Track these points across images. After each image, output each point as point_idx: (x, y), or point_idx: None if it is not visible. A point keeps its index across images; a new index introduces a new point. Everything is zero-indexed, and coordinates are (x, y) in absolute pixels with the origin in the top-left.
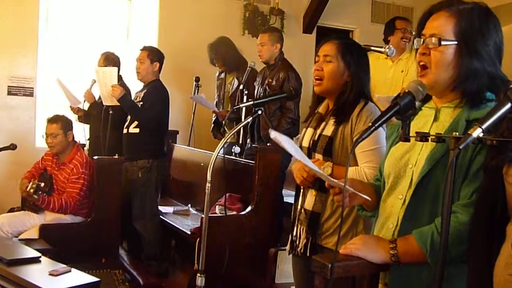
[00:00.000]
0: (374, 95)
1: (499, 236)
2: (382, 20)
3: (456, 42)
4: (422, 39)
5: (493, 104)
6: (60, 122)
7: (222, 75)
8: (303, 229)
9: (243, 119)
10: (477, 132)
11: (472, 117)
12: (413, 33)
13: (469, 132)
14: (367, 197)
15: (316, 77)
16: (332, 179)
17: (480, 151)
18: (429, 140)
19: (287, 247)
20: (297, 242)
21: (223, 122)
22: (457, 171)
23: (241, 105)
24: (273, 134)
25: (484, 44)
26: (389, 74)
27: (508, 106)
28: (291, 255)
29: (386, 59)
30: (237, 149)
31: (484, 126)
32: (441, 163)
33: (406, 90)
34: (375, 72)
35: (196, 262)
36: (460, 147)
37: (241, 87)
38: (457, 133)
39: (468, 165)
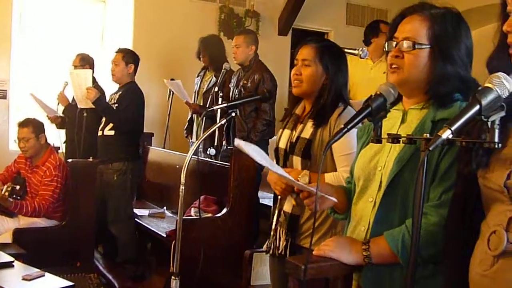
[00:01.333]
0: (351, 101)
1: (473, 237)
2: (357, 23)
3: (429, 46)
4: (394, 42)
5: (459, 104)
6: (31, 126)
7: (202, 72)
8: (282, 231)
9: (218, 121)
10: (446, 134)
11: (438, 118)
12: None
13: (438, 133)
14: (333, 199)
15: (295, 81)
16: (299, 183)
17: (447, 152)
18: (401, 141)
19: (264, 247)
20: (277, 244)
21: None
22: (426, 172)
23: (215, 107)
24: (237, 142)
25: (456, 48)
26: (371, 75)
27: (476, 108)
28: (268, 257)
29: (367, 60)
30: (212, 151)
31: (453, 128)
32: (409, 165)
33: (378, 92)
34: (356, 72)
35: (171, 264)
36: (430, 148)
37: (216, 88)
38: (427, 134)
39: (436, 166)
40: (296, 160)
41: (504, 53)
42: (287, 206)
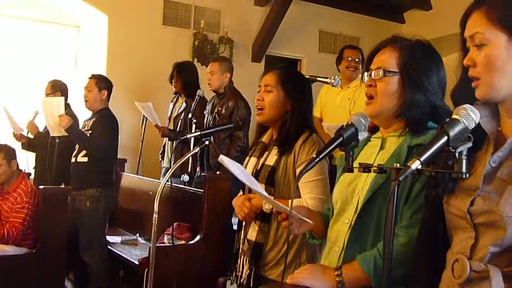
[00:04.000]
0: (323, 124)
1: (441, 263)
2: (330, 50)
3: (399, 74)
4: (369, 73)
5: (433, 132)
6: (3, 152)
7: (175, 98)
8: (246, 259)
9: (192, 148)
10: (415, 164)
11: (413, 143)
12: (357, 60)
13: (408, 164)
14: (310, 221)
15: (258, 107)
16: (279, 204)
17: (419, 178)
18: (372, 171)
19: (232, 278)
20: (241, 273)
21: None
22: (398, 196)
23: (188, 136)
24: (222, 158)
25: (426, 76)
26: (337, 101)
27: (444, 139)
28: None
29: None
30: (186, 177)
31: (422, 159)
32: (383, 189)
33: (349, 123)
34: (326, 97)
35: None
36: (400, 179)
37: (190, 115)
38: (399, 162)
39: (409, 190)
40: (260, 187)
41: (467, 85)
42: (251, 234)
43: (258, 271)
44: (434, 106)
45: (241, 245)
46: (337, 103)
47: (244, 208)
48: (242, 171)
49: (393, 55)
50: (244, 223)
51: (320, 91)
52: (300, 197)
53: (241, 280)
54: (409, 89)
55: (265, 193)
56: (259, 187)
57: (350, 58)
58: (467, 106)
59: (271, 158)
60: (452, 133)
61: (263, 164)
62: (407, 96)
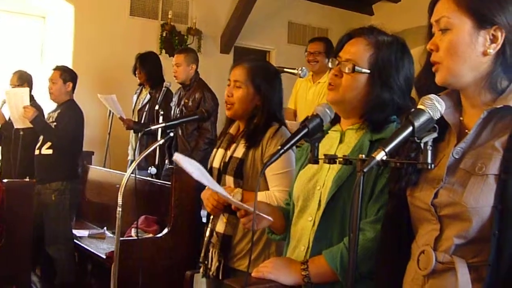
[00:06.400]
0: (289, 122)
1: (405, 255)
2: (299, 41)
3: (369, 72)
4: (337, 61)
5: (394, 125)
6: None
7: (139, 89)
8: (215, 252)
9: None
10: (380, 155)
11: (375, 138)
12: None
13: (372, 155)
14: (269, 218)
15: (227, 103)
16: (237, 201)
17: (384, 169)
18: (337, 162)
19: (201, 270)
20: (210, 266)
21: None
22: (363, 190)
23: (152, 127)
24: (176, 157)
25: (396, 77)
26: (309, 96)
27: (409, 129)
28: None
29: (307, 81)
30: (153, 170)
31: (387, 149)
32: (347, 184)
33: (314, 113)
34: (300, 90)
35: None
36: (365, 170)
37: (156, 107)
38: (363, 155)
39: (374, 184)
40: (229, 180)
41: (430, 72)
42: (220, 226)
43: (227, 263)
44: (398, 105)
45: (209, 238)
46: (309, 98)
47: (212, 201)
48: (198, 169)
49: (366, 50)
50: (212, 216)
51: (295, 83)
52: (268, 189)
53: (211, 273)
54: (376, 89)
55: (222, 191)
56: (216, 184)
57: (309, 52)
58: (432, 96)
59: (239, 150)
60: (417, 123)
61: (231, 156)
62: (373, 96)
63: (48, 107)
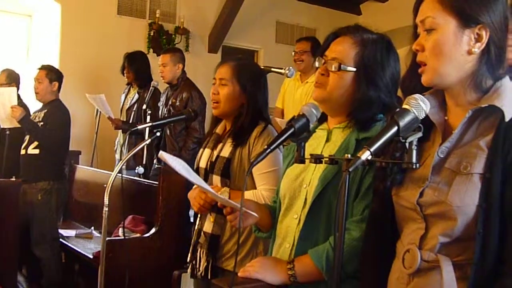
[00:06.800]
0: (278, 119)
1: (390, 254)
2: (286, 41)
3: (355, 70)
4: (323, 60)
5: (381, 124)
6: None
7: (127, 89)
8: (203, 252)
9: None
10: (365, 155)
11: (361, 137)
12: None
13: (358, 155)
14: (255, 214)
15: (213, 101)
16: (224, 198)
17: (370, 169)
18: (323, 162)
19: (188, 270)
20: (198, 266)
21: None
22: (349, 190)
23: (139, 127)
24: (163, 156)
25: (382, 75)
26: (297, 95)
27: (394, 129)
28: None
29: (295, 81)
30: (140, 169)
31: (372, 149)
32: (333, 183)
33: (301, 113)
34: (287, 90)
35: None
36: (350, 169)
37: (144, 107)
38: (349, 154)
39: (359, 182)
40: (216, 179)
41: (416, 72)
42: (207, 226)
43: (215, 263)
44: (385, 104)
45: (197, 238)
46: (297, 98)
47: (199, 200)
48: (185, 168)
49: (352, 48)
50: (199, 216)
51: (283, 82)
52: (255, 188)
53: (199, 273)
54: (362, 86)
55: (209, 188)
56: (203, 183)
57: (295, 52)
58: (417, 96)
59: (226, 149)
60: (402, 123)
61: (217, 156)
62: (360, 93)
63: (34, 106)
